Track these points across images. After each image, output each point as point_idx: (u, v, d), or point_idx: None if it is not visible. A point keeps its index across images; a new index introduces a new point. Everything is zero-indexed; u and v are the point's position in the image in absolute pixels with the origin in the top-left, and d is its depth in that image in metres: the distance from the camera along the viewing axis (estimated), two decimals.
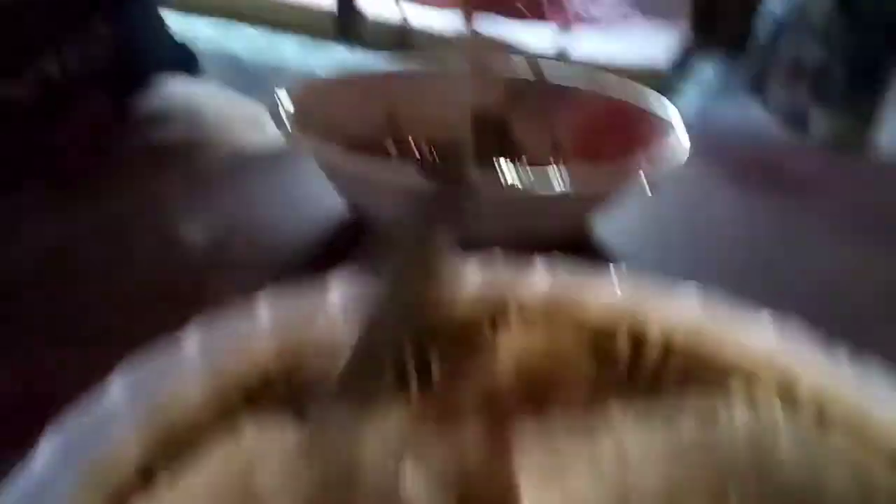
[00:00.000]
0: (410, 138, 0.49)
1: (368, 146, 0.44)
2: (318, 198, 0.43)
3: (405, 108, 0.50)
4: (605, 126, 0.48)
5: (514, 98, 0.50)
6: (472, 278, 0.25)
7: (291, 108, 0.42)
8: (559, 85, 0.51)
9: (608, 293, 0.25)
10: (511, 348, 0.23)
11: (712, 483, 0.16)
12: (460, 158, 0.45)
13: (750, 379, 0.22)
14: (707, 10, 3.39)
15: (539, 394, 0.22)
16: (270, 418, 0.19)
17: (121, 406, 0.18)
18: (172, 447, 0.18)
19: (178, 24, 0.76)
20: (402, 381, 0.24)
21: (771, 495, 0.15)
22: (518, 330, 0.23)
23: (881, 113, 2.23)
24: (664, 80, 2.88)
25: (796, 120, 2.66)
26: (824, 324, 0.37)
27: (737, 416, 0.18)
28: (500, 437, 0.21)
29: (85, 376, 0.19)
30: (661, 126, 0.43)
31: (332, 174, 0.40)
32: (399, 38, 3.03)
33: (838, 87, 2.55)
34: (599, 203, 0.41)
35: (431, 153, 0.47)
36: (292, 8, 3.12)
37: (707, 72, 3.22)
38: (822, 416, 0.20)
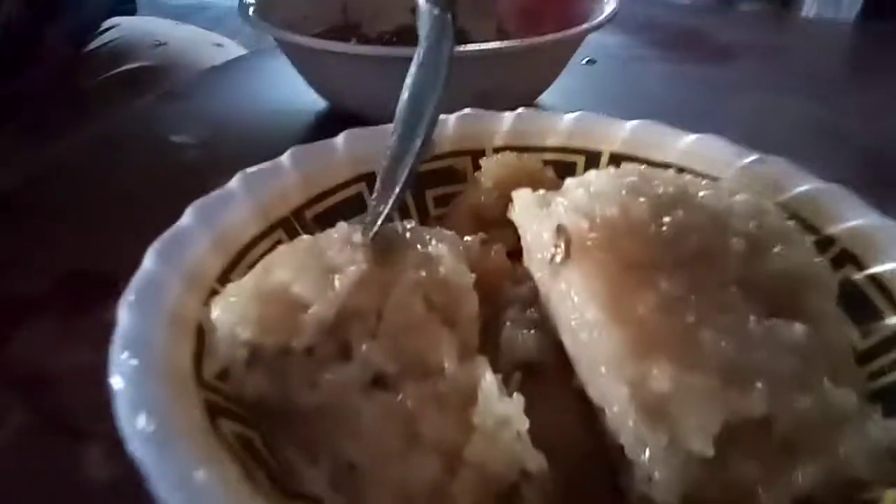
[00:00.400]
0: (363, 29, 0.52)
1: (335, 37, 0.47)
2: (293, 94, 0.47)
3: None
4: (541, 5, 0.52)
5: None
6: (450, 131, 0.30)
7: (257, 8, 0.45)
8: None
9: (564, 126, 0.30)
10: (491, 173, 0.28)
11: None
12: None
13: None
14: None
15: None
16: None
17: (195, 230, 0.23)
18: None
19: None
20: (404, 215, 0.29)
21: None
22: (497, 159, 0.28)
23: None
24: None
25: None
26: None
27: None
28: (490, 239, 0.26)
29: (118, 253, 0.23)
30: (596, 5, 0.48)
31: (300, 62, 0.43)
32: None
33: None
34: (554, 65, 0.45)
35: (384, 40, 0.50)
36: None
37: None
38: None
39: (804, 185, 0.25)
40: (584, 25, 0.40)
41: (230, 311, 0.19)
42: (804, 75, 0.55)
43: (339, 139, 0.29)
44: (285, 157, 0.27)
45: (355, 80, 0.42)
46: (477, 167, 0.29)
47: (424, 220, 0.29)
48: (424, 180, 0.29)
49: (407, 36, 0.51)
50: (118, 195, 0.39)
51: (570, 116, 0.30)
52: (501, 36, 0.54)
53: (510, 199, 0.27)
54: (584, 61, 0.56)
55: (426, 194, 0.29)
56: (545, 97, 0.49)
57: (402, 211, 0.29)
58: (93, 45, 0.71)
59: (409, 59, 0.38)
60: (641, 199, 0.18)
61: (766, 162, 0.27)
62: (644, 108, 0.50)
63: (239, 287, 0.20)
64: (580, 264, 0.17)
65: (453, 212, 0.29)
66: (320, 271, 0.19)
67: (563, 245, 0.17)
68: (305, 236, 0.22)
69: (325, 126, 0.47)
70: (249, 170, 0.26)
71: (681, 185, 0.19)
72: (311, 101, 0.47)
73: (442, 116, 0.31)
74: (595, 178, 0.20)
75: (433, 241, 0.21)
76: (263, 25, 0.41)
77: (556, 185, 0.28)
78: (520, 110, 0.31)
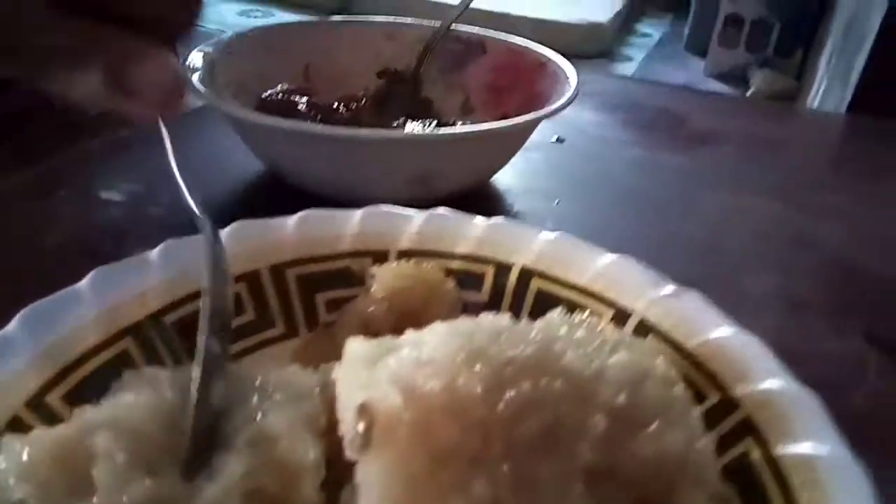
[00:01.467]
0: (322, 93, 0.50)
1: (283, 101, 0.45)
2: (232, 155, 0.45)
3: (320, 62, 0.52)
4: (510, 81, 0.51)
5: (424, 53, 0.52)
6: (354, 228, 0.27)
7: (203, 67, 0.43)
8: (468, 40, 0.53)
9: (476, 233, 0.28)
10: (385, 282, 0.25)
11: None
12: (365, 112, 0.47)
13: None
14: None
15: (410, 321, 0.25)
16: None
17: (19, 339, 0.20)
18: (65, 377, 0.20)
19: None
20: (290, 324, 0.26)
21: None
22: (392, 267, 0.26)
23: (812, 69, 2.30)
24: (608, 38, 2.91)
25: (735, 77, 2.73)
26: (699, 264, 0.41)
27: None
28: None
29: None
30: (558, 77, 0.46)
31: (241, 131, 0.42)
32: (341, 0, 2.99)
33: (774, 42, 2.62)
34: (503, 151, 0.43)
35: (341, 107, 0.49)
36: None
37: (650, 31, 3.26)
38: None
39: (719, 330, 0.23)
40: (528, 116, 0.38)
41: (14, 461, 0.16)
42: (778, 171, 0.53)
43: (228, 231, 0.27)
44: (155, 253, 0.25)
45: (286, 153, 0.40)
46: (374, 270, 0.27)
47: (313, 326, 0.27)
48: (317, 282, 0.27)
49: (366, 107, 0.49)
50: (25, 250, 0.37)
51: (483, 222, 0.28)
52: (466, 110, 0.53)
53: (403, 313, 0.25)
54: (553, 139, 0.55)
55: (317, 298, 0.27)
56: (503, 177, 0.47)
57: (286, 316, 0.27)
58: None
59: (344, 139, 0.36)
60: (478, 367, 0.15)
61: (682, 297, 0.24)
62: (608, 198, 0.48)
63: (42, 437, 0.17)
64: (380, 455, 0.14)
65: (340, 322, 0.26)
66: (139, 457, 0.16)
67: (364, 427, 0.15)
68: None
69: (261, 191, 0.45)
70: (103, 267, 0.24)
71: (544, 344, 0.17)
72: (250, 161, 0.45)
73: (348, 212, 0.28)
74: (433, 336, 0.17)
75: (273, 398, 0.18)
76: (207, 95, 0.39)
77: (456, 300, 0.26)
78: (434, 210, 0.29)
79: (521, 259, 0.27)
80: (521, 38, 0.52)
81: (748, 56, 2.67)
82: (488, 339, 0.16)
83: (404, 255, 0.27)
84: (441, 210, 0.29)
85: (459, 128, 0.42)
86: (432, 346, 0.16)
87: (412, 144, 0.37)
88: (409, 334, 0.18)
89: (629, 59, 2.91)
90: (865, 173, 0.53)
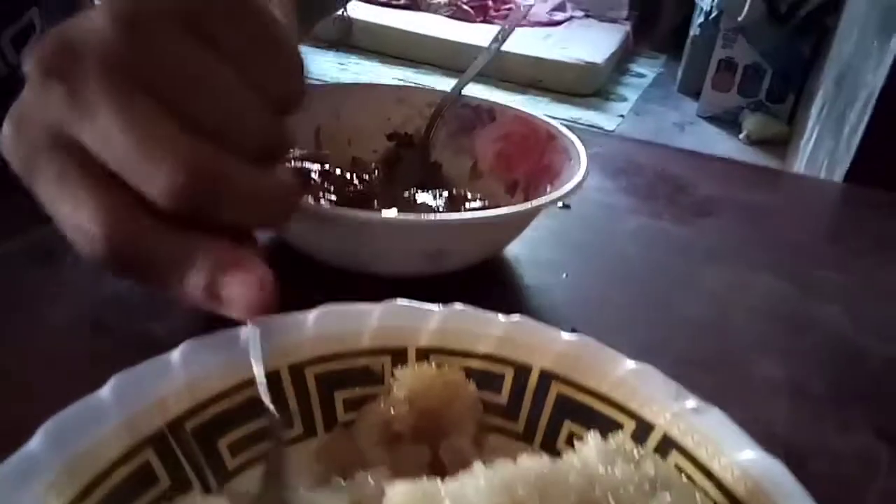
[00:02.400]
0: (333, 156, 0.50)
1: (297, 170, 0.46)
2: None
3: (331, 125, 0.52)
4: (518, 150, 0.51)
5: (434, 117, 0.53)
6: (374, 324, 0.27)
7: None
8: (478, 106, 0.53)
9: (496, 332, 0.28)
10: (406, 383, 0.25)
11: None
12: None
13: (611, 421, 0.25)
14: (647, 11, 3.49)
15: (432, 422, 0.25)
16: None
17: (43, 457, 0.20)
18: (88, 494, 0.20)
19: None
20: (309, 424, 0.26)
21: None
22: (413, 369, 0.26)
23: (803, 116, 2.34)
24: (603, 78, 2.95)
25: (727, 120, 2.77)
26: (703, 345, 0.41)
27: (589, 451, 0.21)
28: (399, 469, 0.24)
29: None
30: (568, 152, 0.46)
31: None
32: (341, 32, 3.02)
33: (766, 88, 2.67)
34: (514, 230, 0.44)
35: (352, 174, 0.49)
36: None
37: (644, 71, 3.31)
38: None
39: (744, 453, 0.23)
40: (541, 200, 0.39)
41: None
42: (778, 244, 0.54)
43: (244, 331, 0.27)
44: (176, 355, 0.25)
45: (299, 229, 0.40)
46: (396, 368, 0.27)
47: (331, 425, 0.27)
48: (336, 381, 0.27)
49: (378, 178, 0.49)
50: (33, 324, 0.37)
51: (503, 321, 0.28)
52: (475, 175, 0.53)
53: (424, 414, 0.25)
54: (558, 205, 0.55)
55: (335, 396, 0.27)
56: (511, 245, 0.47)
57: (304, 416, 0.27)
58: None
59: (358, 222, 0.37)
60: None
61: (704, 413, 0.24)
62: (613, 271, 0.49)
63: None
64: None
65: (360, 422, 0.26)
66: None
67: None
68: None
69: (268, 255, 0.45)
70: (125, 373, 0.24)
71: (585, 492, 0.17)
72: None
73: (367, 307, 0.28)
74: (475, 489, 0.17)
75: None
76: None
77: (476, 401, 0.26)
78: (451, 307, 0.29)
79: (541, 361, 0.27)
80: (530, 110, 0.53)
81: (740, 100, 2.71)
82: (529, 493, 0.16)
83: (423, 352, 0.27)
84: (460, 306, 0.29)
85: (473, 213, 0.43)
86: (475, 502, 0.16)
87: (426, 228, 0.38)
88: (450, 484, 0.18)
89: (623, 98, 2.96)
90: (864, 249, 0.54)
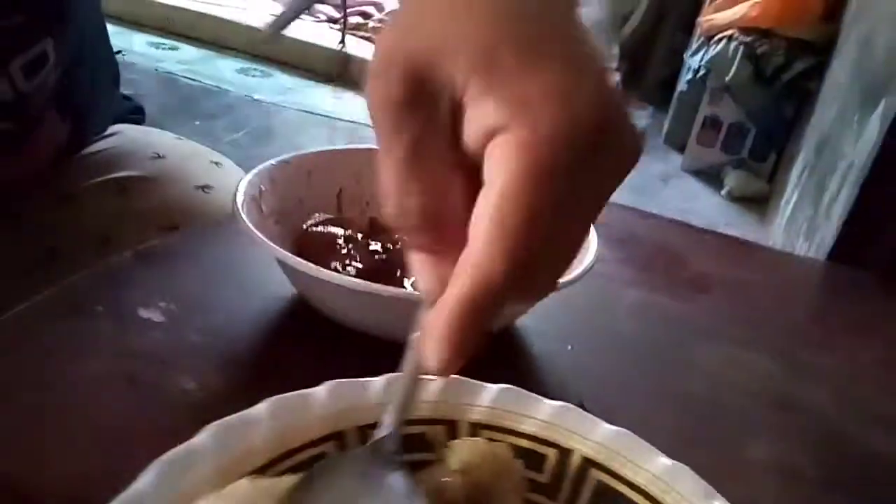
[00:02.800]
0: (354, 220, 0.53)
1: (324, 235, 0.48)
2: (266, 278, 0.47)
3: (352, 187, 0.55)
4: None
5: None
6: (433, 396, 0.31)
7: (246, 199, 0.46)
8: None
9: (543, 415, 0.31)
10: (460, 456, 0.28)
11: None
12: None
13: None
14: (636, 63, 3.59)
15: (481, 494, 0.28)
16: None
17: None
18: None
19: (113, 38, 0.78)
20: None
21: None
22: (467, 442, 0.29)
23: (783, 176, 2.41)
24: None
25: (710, 175, 2.84)
26: (696, 424, 0.44)
27: None
28: None
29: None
30: None
31: (283, 267, 0.44)
32: (340, 67, 3.07)
33: (749, 146, 2.75)
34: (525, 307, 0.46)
35: (374, 239, 0.51)
36: (232, 26, 3.13)
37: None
38: None
39: None
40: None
41: None
42: (770, 324, 0.57)
43: (321, 390, 0.29)
44: (260, 408, 0.28)
45: (326, 297, 0.43)
46: (449, 439, 0.30)
47: None
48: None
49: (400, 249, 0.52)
50: (68, 379, 0.38)
51: (550, 405, 0.31)
52: None
53: (474, 486, 0.27)
54: None
55: None
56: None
57: None
58: (91, 148, 0.72)
59: (376, 295, 0.39)
60: None
61: None
62: (613, 345, 0.51)
63: None
64: None
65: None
66: None
67: None
68: None
69: (291, 318, 0.47)
70: (219, 422, 0.27)
71: None
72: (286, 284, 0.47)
73: (429, 381, 0.31)
74: None
75: None
76: (249, 232, 0.42)
77: (522, 479, 0.29)
78: (502, 387, 0.32)
79: (582, 448, 0.29)
80: None
81: (724, 156, 2.79)
82: None
83: (475, 427, 0.30)
84: (510, 387, 0.32)
85: None
86: None
87: None
88: None
89: None
90: (846, 330, 0.57)
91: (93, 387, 0.38)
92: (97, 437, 0.36)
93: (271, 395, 0.30)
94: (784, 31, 2.54)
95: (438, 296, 0.24)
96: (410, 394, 0.27)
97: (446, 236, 0.25)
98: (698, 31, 2.88)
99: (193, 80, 2.86)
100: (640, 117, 3.46)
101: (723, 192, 2.73)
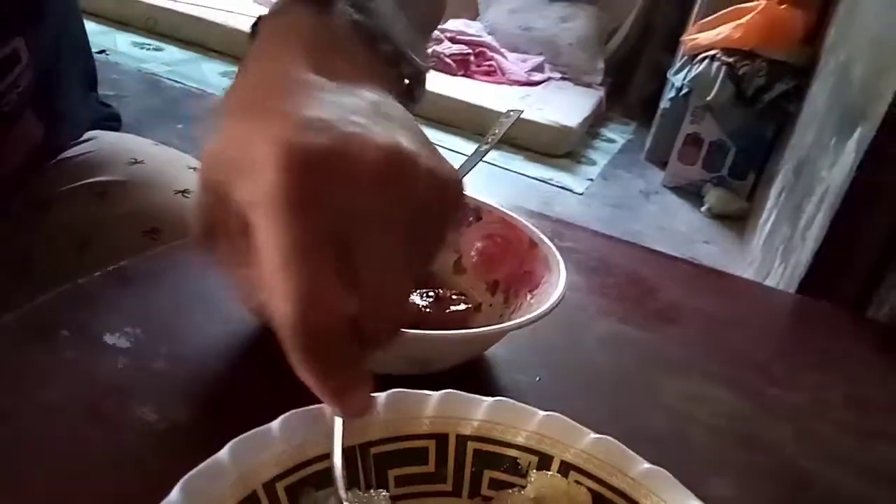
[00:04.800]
0: None
1: None
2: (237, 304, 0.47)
3: None
4: (501, 251, 0.54)
5: None
6: (534, 427, 0.33)
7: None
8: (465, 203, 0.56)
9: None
10: (538, 486, 0.31)
11: None
12: None
13: None
14: (621, 79, 3.62)
15: None
16: None
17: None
18: None
19: (97, 37, 0.78)
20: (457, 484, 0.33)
21: None
22: (549, 476, 0.31)
23: (762, 196, 2.44)
24: (575, 140, 3.04)
25: (690, 192, 2.87)
26: (664, 459, 0.44)
27: None
28: None
29: None
30: (548, 262, 0.50)
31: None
32: None
33: (730, 164, 2.78)
34: (494, 341, 0.47)
35: None
36: (216, 28, 3.11)
37: (615, 136, 3.42)
38: None
39: None
40: (523, 318, 0.42)
41: None
42: (736, 358, 0.57)
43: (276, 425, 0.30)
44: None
45: None
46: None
47: (474, 495, 0.32)
48: (490, 460, 0.32)
49: None
50: (28, 405, 0.38)
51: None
52: (458, 269, 0.56)
53: None
54: None
55: (485, 473, 0.32)
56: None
57: (455, 477, 0.32)
58: (68, 153, 0.72)
59: None
60: None
61: None
62: (582, 377, 0.52)
63: None
64: None
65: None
66: None
67: None
68: None
69: (262, 347, 0.46)
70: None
71: None
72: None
73: (530, 411, 0.34)
74: None
75: None
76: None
77: None
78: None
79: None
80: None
81: (704, 173, 2.82)
82: None
83: (568, 467, 0.32)
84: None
85: (462, 332, 0.45)
86: None
87: (419, 341, 0.40)
88: None
89: (593, 162, 3.05)
90: (810, 366, 0.58)
91: (51, 419, 0.38)
92: (51, 470, 0.35)
93: (233, 427, 0.30)
94: (766, 53, 2.58)
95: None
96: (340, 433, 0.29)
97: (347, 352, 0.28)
98: (682, 49, 2.91)
99: (177, 82, 2.84)
100: (623, 132, 3.49)
101: (703, 209, 2.76)
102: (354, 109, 0.29)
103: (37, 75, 0.63)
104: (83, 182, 0.68)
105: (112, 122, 0.82)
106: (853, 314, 0.67)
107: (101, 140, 0.74)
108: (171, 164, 0.73)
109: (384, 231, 0.27)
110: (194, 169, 0.73)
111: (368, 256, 0.27)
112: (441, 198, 0.30)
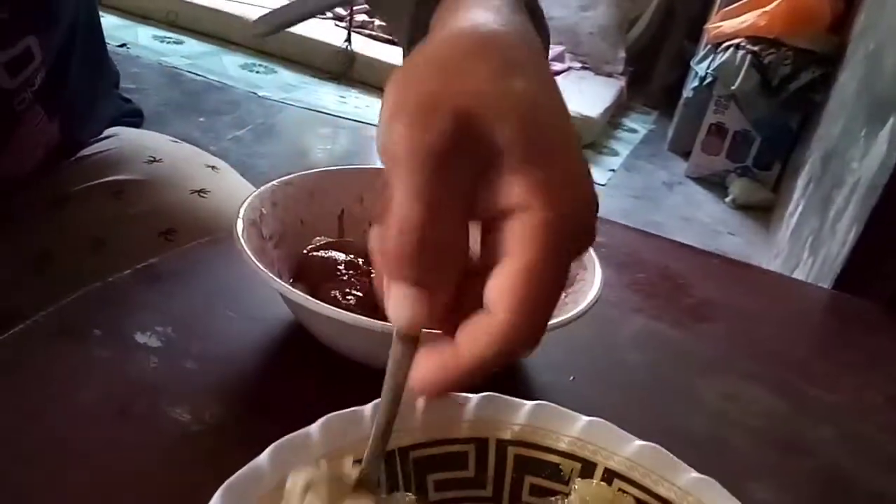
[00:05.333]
0: (356, 243, 0.52)
1: (325, 260, 0.47)
2: (268, 299, 0.46)
3: (355, 209, 0.54)
4: None
5: None
6: (576, 433, 0.32)
7: (245, 223, 0.45)
8: None
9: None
10: (581, 495, 0.30)
11: None
12: None
13: None
14: (642, 68, 3.57)
15: None
16: None
17: None
18: None
19: (119, 31, 0.78)
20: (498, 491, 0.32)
21: None
22: (593, 485, 0.31)
23: (788, 186, 2.40)
24: (597, 131, 3.01)
25: (714, 183, 2.83)
26: (702, 463, 0.43)
27: None
28: None
29: None
30: (583, 260, 0.49)
31: (284, 300, 0.43)
32: (345, 65, 3.06)
33: (754, 154, 2.73)
34: None
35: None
36: (237, 21, 3.12)
37: (636, 126, 3.38)
38: None
39: None
40: (560, 319, 0.41)
41: None
42: (774, 356, 0.56)
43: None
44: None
45: (327, 330, 0.42)
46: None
47: (515, 500, 0.31)
48: (530, 466, 0.32)
49: None
50: (59, 405, 0.38)
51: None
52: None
53: None
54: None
55: (525, 479, 0.31)
56: None
57: (495, 484, 0.32)
58: (85, 150, 0.72)
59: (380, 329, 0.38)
60: None
61: None
62: (616, 377, 0.51)
63: None
64: None
65: None
66: None
67: None
68: None
69: (294, 345, 0.46)
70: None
71: None
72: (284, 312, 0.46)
73: (573, 415, 0.33)
74: None
75: None
76: (252, 264, 0.41)
77: None
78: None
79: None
80: None
81: (728, 163, 2.78)
82: None
83: (612, 474, 0.32)
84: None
85: None
86: None
87: None
88: None
89: (615, 152, 3.02)
90: (852, 365, 0.57)
91: (83, 419, 0.38)
92: (88, 472, 0.35)
93: (268, 428, 0.30)
94: (791, 42, 2.54)
95: (419, 328, 0.27)
96: (388, 423, 0.28)
97: (442, 275, 0.26)
98: (705, 38, 2.87)
99: (198, 75, 2.85)
100: (646, 122, 3.45)
101: (727, 200, 2.73)
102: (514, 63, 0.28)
103: (50, 74, 0.63)
104: (100, 181, 0.68)
105: (134, 117, 0.82)
106: (890, 311, 0.65)
107: (120, 138, 0.74)
108: (188, 163, 0.73)
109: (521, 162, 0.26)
110: (212, 167, 0.73)
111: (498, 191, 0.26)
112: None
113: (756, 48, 2.57)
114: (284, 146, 2.53)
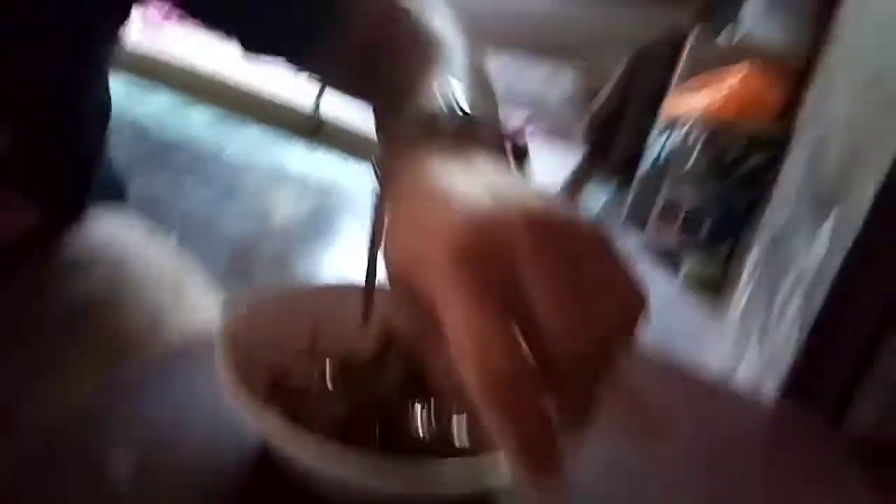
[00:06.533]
0: (329, 360, 0.53)
1: (294, 392, 0.48)
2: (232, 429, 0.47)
3: (328, 323, 0.55)
4: None
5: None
6: None
7: (222, 339, 0.46)
8: None
9: None
10: None
11: None
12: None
13: None
14: (601, 137, 3.69)
15: None
16: None
17: None
18: None
19: None
20: None
21: None
22: None
23: (737, 269, 2.49)
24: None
25: (667, 258, 2.92)
26: None
27: None
28: None
29: None
30: None
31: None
32: (312, 127, 3.09)
33: (706, 232, 2.83)
34: None
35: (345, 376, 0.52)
36: (206, 78, 3.14)
37: (595, 196, 3.47)
38: None
39: None
40: None
41: None
42: (718, 483, 0.58)
43: None
44: None
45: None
46: None
47: None
48: None
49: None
50: None
51: None
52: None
53: None
54: None
55: None
56: None
57: None
58: (59, 238, 0.72)
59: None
60: None
61: None
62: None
63: None
64: None
65: None
66: None
67: None
68: None
69: (257, 477, 0.46)
70: None
71: None
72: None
73: None
74: None
75: None
76: (230, 391, 0.42)
77: None
78: None
79: None
80: None
81: (681, 240, 2.87)
82: None
83: None
84: None
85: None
86: None
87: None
88: None
89: None
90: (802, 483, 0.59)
91: None
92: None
93: None
94: (744, 124, 2.66)
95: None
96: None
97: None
98: (662, 115, 2.99)
99: (164, 130, 2.85)
100: (604, 192, 3.55)
101: (680, 275, 2.80)
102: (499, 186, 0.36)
103: (22, 153, 0.63)
104: (59, 293, 0.68)
105: (117, 195, 0.82)
106: (834, 422, 0.69)
107: (94, 232, 0.74)
108: (157, 272, 0.73)
109: (549, 275, 0.32)
110: (181, 277, 0.74)
111: (542, 299, 0.32)
112: (591, 239, 0.34)
113: (709, 130, 2.69)
114: (250, 207, 2.53)
